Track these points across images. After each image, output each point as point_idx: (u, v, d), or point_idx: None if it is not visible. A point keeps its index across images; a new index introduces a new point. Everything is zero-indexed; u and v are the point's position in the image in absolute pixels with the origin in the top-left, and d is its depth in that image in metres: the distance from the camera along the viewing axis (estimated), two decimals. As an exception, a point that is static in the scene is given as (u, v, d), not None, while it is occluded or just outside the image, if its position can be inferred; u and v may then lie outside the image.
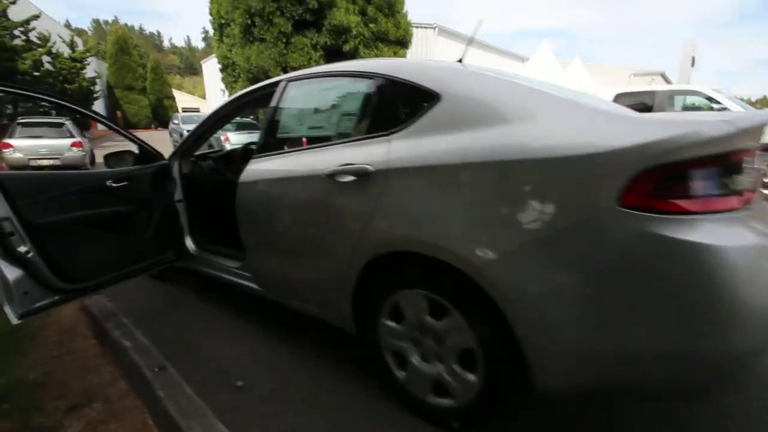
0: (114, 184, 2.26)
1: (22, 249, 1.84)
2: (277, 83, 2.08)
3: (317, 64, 14.09)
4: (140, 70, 30.39)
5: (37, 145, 8.57)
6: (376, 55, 15.74)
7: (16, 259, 1.85)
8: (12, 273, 1.85)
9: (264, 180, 1.91)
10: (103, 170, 2.30)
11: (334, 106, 1.82)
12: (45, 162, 8.55)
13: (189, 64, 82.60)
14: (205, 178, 2.79)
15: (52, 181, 2.03)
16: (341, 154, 1.60)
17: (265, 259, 2.03)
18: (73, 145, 8.91)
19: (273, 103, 2.03)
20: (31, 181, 1.96)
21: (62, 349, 2.10)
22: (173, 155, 2.67)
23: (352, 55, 15.61)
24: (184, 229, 2.73)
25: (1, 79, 13.04)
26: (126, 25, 57.36)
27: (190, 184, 2.74)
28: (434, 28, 18.95)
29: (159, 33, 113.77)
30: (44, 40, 15.40)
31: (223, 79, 15.72)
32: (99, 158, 10.83)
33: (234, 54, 14.37)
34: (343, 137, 1.68)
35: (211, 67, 29.52)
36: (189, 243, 2.76)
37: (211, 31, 15.95)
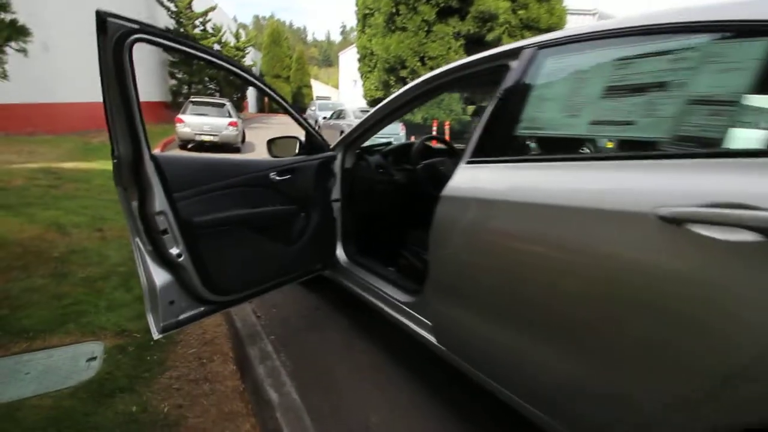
0: (277, 177, 1.82)
1: (174, 251, 1.47)
2: (515, 52, 1.36)
3: (456, 54, 13.29)
4: (287, 60, 33.41)
5: (201, 122, 9.52)
6: None
7: (166, 262, 1.50)
8: (160, 278, 1.49)
9: (497, 201, 1.21)
10: (264, 159, 1.87)
11: (662, 87, 1.00)
12: (206, 138, 9.46)
13: (326, 57, 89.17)
14: (370, 175, 2.24)
15: (214, 169, 1.64)
16: (702, 180, 0.81)
17: (475, 319, 1.33)
18: (230, 124, 9.70)
19: (509, 82, 1.32)
20: (191, 168, 1.58)
21: (201, 371, 1.75)
22: (338, 145, 2.18)
23: (496, 44, 14.42)
24: (336, 235, 2.23)
25: (179, 64, 15.06)
26: (279, 20, 64.08)
27: (352, 181, 2.23)
28: (594, 14, 16.51)
29: (305, 27, 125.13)
30: (218, 30, 17.52)
31: (359, 69, 15.98)
32: (248, 138, 11.81)
33: (374, 44, 14.39)
34: (697, 145, 0.87)
35: (347, 58, 30.93)
36: (339, 252, 2.27)
37: (353, 23, 16.35)
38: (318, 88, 43.75)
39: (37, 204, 3.85)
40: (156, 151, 1.98)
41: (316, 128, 2.04)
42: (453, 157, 2.40)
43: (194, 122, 9.47)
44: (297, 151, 2.07)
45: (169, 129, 10.76)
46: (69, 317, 2.06)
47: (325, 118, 13.03)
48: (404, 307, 1.74)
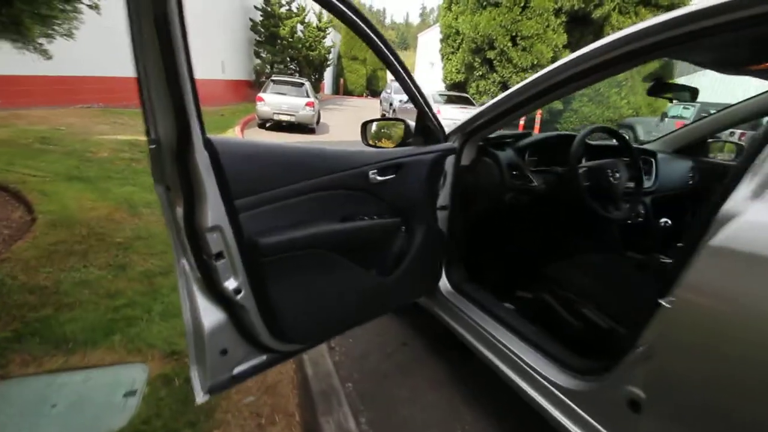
0: (378, 177, 1.26)
1: (232, 284, 0.98)
2: None
3: (555, 33, 11.83)
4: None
5: (280, 102, 9.40)
6: (634, 24, 12.39)
7: (219, 298, 1.02)
8: (210, 318, 1.02)
9: None
10: (359, 150, 1.31)
11: None
12: (284, 117, 9.34)
13: (403, 39, 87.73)
14: (497, 178, 1.60)
15: (292, 161, 1.11)
16: None
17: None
18: (307, 104, 9.48)
19: None
20: (261, 160, 1.06)
21: (257, 437, 1.28)
22: (453, 134, 1.56)
23: (601, 23, 12.63)
24: (441, 256, 1.64)
25: (264, 44, 15.30)
26: (359, 1, 63.89)
27: (469, 183, 1.61)
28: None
29: (384, 10, 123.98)
30: (302, 10, 17.53)
31: (441, 51, 15.00)
32: (323, 119, 11.61)
33: (461, 22, 13.32)
34: None
35: (426, 41, 29.77)
36: (442, 278, 1.68)
37: (435, 3, 15.29)
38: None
39: (116, 178, 3.75)
40: (232, 132, 1.51)
41: (431, 110, 1.43)
42: (628, 158, 1.67)
43: (274, 101, 9.38)
44: (403, 139, 1.49)
45: (251, 107, 10.86)
46: (117, 325, 1.72)
47: (401, 101, 12.39)
48: (560, 395, 1.12)
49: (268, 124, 9.71)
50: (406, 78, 1.29)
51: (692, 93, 1.55)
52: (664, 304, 0.82)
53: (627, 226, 1.63)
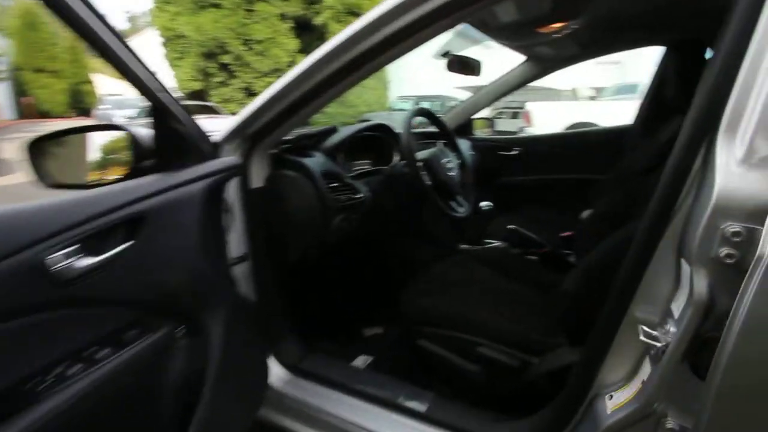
0: (84, 262, 0.55)
1: None
2: None
3: (286, 38, 12.01)
4: (51, 49, 25.52)
5: None
6: None
7: None
8: None
9: None
10: (32, 206, 0.54)
11: None
12: None
13: (111, 47, 73.08)
14: (311, 195, 1.08)
15: None
16: None
17: None
18: None
19: None
20: None
21: None
22: (227, 141, 0.95)
23: (324, 29, 13.64)
24: (260, 345, 1.04)
25: None
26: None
27: (271, 212, 1.06)
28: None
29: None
30: None
31: (166, 56, 13.00)
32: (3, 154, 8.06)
33: (181, 24, 11.78)
34: None
35: (140, 45, 25.47)
36: (272, 363, 1.09)
37: (143, 7, 13.12)
38: (105, 84, 35.21)
39: None
40: None
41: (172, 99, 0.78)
42: (448, 144, 1.44)
43: None
44: (133, 164, 0.77)
45: None
46: None
47: (130, 117, 10.01)
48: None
49: None
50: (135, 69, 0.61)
51: (478, 66, 1.45)
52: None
53: (458, 219, 1.45)
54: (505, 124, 7.91)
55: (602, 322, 0.70)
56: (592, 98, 11.44)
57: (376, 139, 1.38)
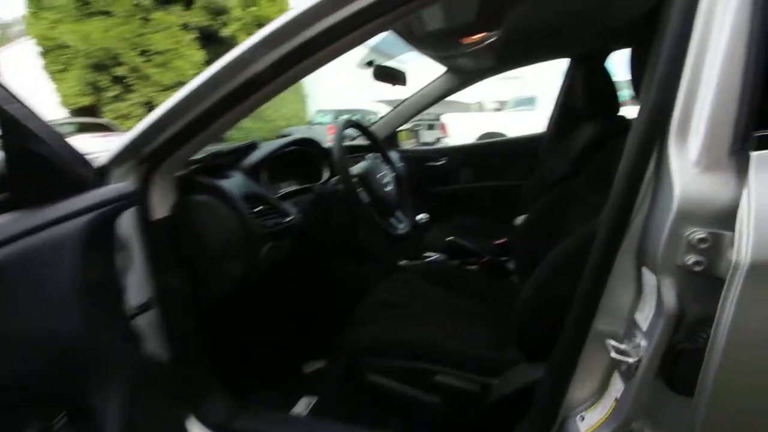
0: None
1: None
2: None
3: (191, 49, 11.21)
4: None
5: None
6: None
7: None
8: None
9: None
10: None
11: None
12: None
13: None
14: (230, 224, 0.92)
15: None
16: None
17: None
18: None
19: None
20: None
21: None
22: (116, 163, 0.77)
23: (232, 41, 13.01)
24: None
25: None
26: None
27: (185, 246, 0.88)
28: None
29: None
30: None
31: (45, 68, 11.33)
32: None
33: (63, 32, 10.38)
34: None
35: (9, 57, 21.95)
36: (195, 427, 0.90)
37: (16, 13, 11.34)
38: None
39: None
40: None
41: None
42: (381, 157, 1.36)
43: None
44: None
45: None
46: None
47: None
48: None
49: None
50: None
51: (403, 76, 1.41)
52: None
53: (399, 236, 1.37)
54: (423, 136, 8.23)
55: (566, 337, 0.66)
56: (497, 110, 12.46)
57: (302, 155, 1.25)
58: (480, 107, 13.93)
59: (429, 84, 2.06)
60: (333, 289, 1.29)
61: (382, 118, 2.17)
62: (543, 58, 1.94)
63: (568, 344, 0.65)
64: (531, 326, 0.80)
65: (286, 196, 1.15)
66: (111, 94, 10.88)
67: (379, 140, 1.45)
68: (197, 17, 11.13)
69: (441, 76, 2.05)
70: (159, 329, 0.85)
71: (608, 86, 1.49)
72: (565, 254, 0.76)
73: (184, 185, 0.90)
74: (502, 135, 6.36)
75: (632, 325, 0.59)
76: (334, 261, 1.30)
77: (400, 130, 2.35)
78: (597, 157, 1.08)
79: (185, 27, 11.09)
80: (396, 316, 1.01)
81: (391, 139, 2.22)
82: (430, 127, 9.23)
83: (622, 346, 0.59)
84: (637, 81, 0.79)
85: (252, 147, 1.13)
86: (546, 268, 0.79)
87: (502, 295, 1.19)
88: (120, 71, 10.49)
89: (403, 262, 1.52)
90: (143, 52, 10.47)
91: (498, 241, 1.54)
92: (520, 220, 1.37)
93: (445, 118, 8.64)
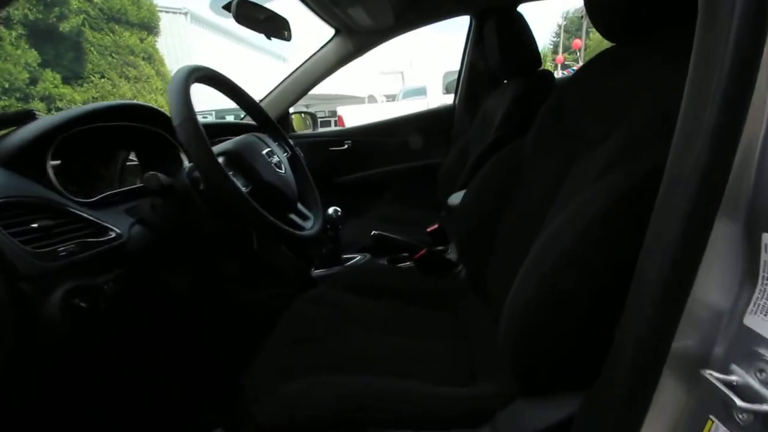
0: None
1: None
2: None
3: (18, 49, 9.10)
4: None
5: None
6: (114, 41, 11.98)
7: None
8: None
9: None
10: None
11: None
12: None
13: None
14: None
15: None
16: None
17: None
18: None
19: None
20: None
21: None
22: None
23: (75, 38, 10.88)
24: None
25: None
26: None
27: None
28: (186, 14, 15.56)
29: None
30: None
31: None
32: None
33: None
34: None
35: None
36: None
37: None
38: None
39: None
40: None
41: None
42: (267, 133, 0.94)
43: None
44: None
45: None
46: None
47: None
48: None
49: None
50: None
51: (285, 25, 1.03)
52: None
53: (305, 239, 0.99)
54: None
55: (622, 364, 0.39)
56: (390, 100, 12.70)
57: (139, 135, 0.80)
58: (372, 100, 14.07)
59: (317, 51, 1.71)
60: (217, 334, 0.86)
61: (267, 96, 1.76)
62: (444, 16, 1.73)
63: (629, 375, 0.38)
64: (537, 339, 0.51)
65: (115, 202, 0.69)
66: None
67: (258, 106, 1.00)
68: (25, 10, 9.05)
69: (330, 41, 1.71)
70: None
71: (526, 38, 1.31)
72: (577, 233, 0.49)
73: None
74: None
75: (747, 338, 0.33)
76: (210, 291, 0.87)
77: (295, 113, 1.96)
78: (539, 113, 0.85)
79: (7, 22, 8.92)
80: (314, 365, 0.65)
81: (282, 123, 1.82)
82: (327, 123, 8.90)
83: (733, 379, 0.33)
84: None
85: (22, 118, 0.63)
86: (549, 253, 0.51)
87: (454, 296, 0.91)
88: None
89: (317, 272, 1.15)
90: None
91: (430, 228, 1.27)
92: (455, 198, 1.11)
93: (341, 111, 8.45)
